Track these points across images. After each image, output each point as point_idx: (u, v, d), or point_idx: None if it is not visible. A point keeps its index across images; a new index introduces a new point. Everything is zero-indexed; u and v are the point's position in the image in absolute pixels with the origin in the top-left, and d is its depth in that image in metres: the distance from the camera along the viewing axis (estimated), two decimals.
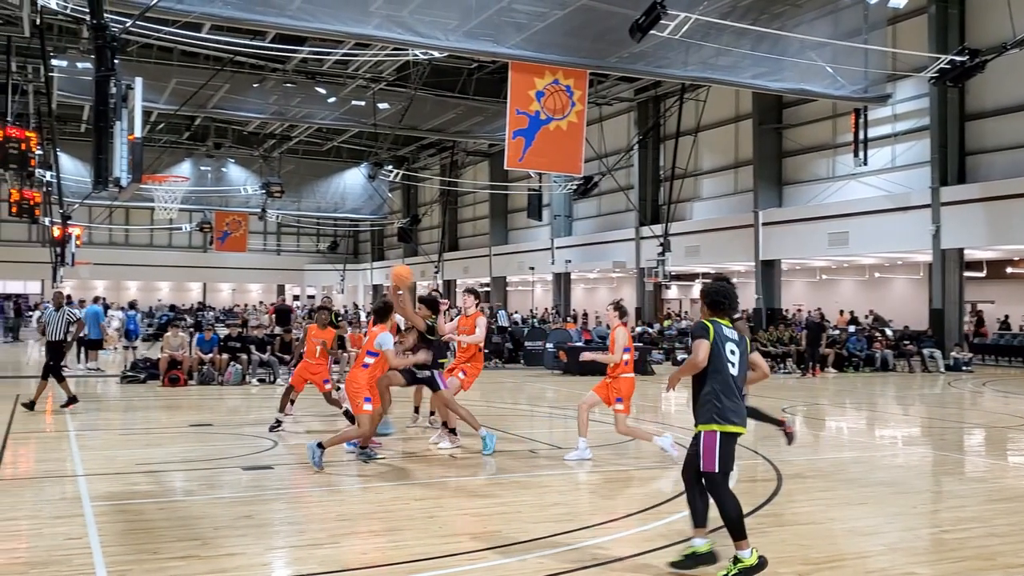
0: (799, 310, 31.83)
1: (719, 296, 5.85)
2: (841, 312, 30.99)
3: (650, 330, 31.85)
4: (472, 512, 7.30)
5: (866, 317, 30.43)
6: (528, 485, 8.65)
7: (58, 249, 33.02)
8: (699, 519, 5.70)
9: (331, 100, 31.07)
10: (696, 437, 5.65)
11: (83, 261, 43.12)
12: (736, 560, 5.47)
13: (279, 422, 11.57)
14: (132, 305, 24.53)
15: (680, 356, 27.46)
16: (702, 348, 5.63)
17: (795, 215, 29.97)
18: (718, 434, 5.56)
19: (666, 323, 33.91)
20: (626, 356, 9.65)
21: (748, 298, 32.77)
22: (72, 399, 13.61)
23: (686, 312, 40.28)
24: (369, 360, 9.14)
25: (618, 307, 10.16)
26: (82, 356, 21.87)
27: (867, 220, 27.32)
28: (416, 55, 22.79)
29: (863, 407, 17.09)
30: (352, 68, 28.31)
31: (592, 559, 5.94)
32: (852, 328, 27.62)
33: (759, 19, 20.73)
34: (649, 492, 8.43)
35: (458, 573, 5.69)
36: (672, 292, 41.23)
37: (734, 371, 5.66)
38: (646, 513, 7.28)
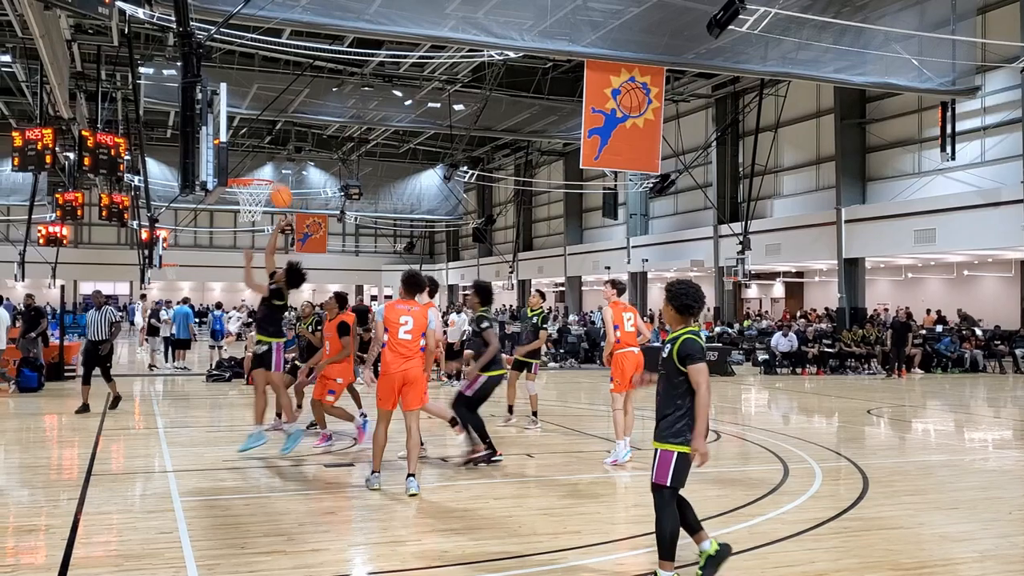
0: (884, 309, 31.00)
1: (690, 299, 5.20)
2: (928, 311, 30.11)
3: (730, 330, 31.41)
4: (551, 512, 7.29)
5: (960, 318, 29.46)
6: (607, 486, 8.61)
7: (146, 251, 34.19)
8: (694, 527, 5.32)
9: (407, 103, 31.41)
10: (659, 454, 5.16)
11: (170, 263, 44.47)
12: None
13: (364, 415, 11.70)
14: (218, 306, 25.21)
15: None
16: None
17: (879, 212, 29.18)
18: (675, 454, 5.06)
19: (746, 323, 33.41)
20: (618, 333, 9.50)
21: (831, 297, 32.08)
22: (85, 407, 13.44)
23: (766, 311, 39.61)
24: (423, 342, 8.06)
25: (615, 284, 9.85)
26: (170, 355, 22.54)
27: (955, 216, 26.46)
28: (491, 56, 22.85)
29: (953, 409, 16.57)
30: (428, 71, 28.58)
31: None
32: (940, 328, 26.79)
33: (841, 12, 20.21)
34: (728, 495, 8.15)
35: (537, 573, 5.69)
36: (752, 291, 40.59)
37: None
38: (728, 516, 7.15)
